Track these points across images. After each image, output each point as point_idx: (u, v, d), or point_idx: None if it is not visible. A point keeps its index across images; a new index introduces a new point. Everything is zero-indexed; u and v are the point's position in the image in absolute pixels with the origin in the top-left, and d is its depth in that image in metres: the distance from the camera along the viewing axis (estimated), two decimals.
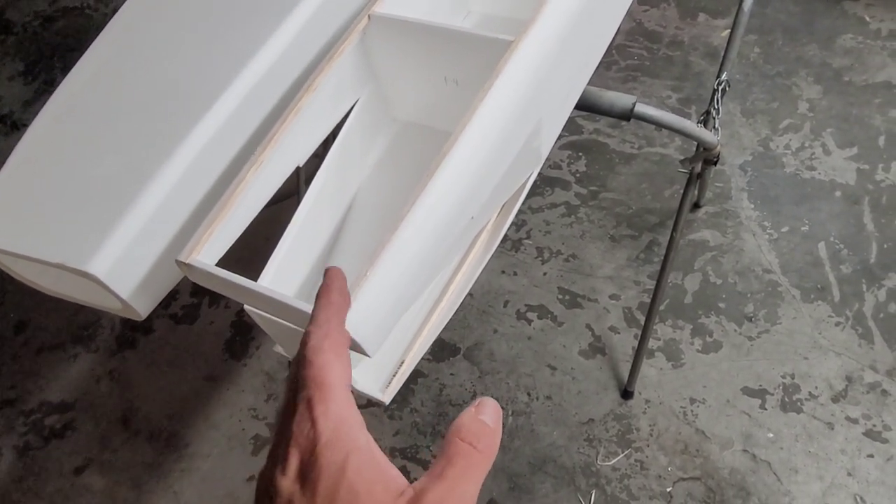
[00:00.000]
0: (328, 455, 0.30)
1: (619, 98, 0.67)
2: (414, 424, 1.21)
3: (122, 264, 0.46)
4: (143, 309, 0.50)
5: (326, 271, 0.37)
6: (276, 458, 0.31)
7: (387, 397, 0.52)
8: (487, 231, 0.60)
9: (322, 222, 0.59)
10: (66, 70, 1.92)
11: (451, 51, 0.57)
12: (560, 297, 1.33)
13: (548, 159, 1.55)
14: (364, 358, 0.51)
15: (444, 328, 1.39)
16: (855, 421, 1.14)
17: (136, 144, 0.50)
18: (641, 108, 0.69)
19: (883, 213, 1.37)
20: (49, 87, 1.80)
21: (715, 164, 0.87)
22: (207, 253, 0.47)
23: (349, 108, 0.60)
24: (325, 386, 0.31)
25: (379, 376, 0.55)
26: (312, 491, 0.29)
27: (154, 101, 0.52)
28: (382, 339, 0.45)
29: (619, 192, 1.48)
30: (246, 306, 0.49)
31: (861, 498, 1.06)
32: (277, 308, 0.44)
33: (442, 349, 1.29)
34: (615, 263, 1.37)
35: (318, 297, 0.36)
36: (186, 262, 0.45)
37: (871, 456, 1.10)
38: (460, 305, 1.40)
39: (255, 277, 0.57)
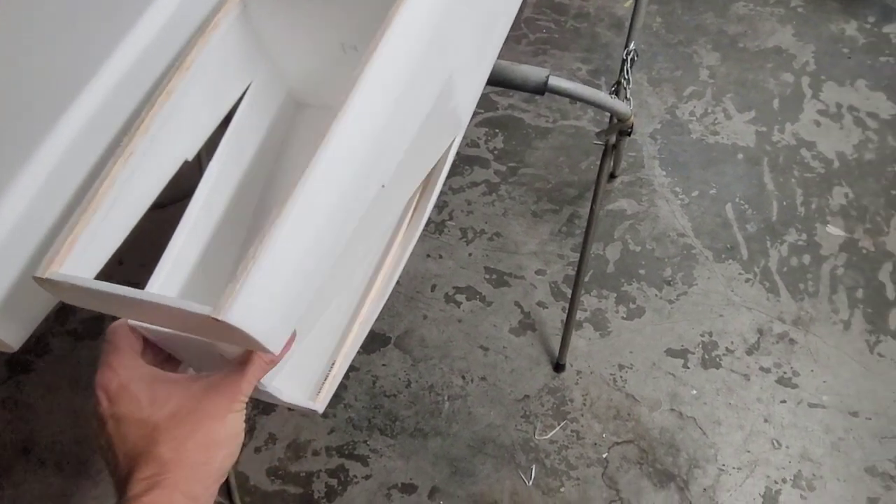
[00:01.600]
0: (130, 377, 0.42)
1: (532, 72, 0.65)
2: (349, 420, 1.17)
3: None
4: (12, 340, 0.42)
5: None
6: (94, 400, 0.43)
7: (319, 405, 0.48)
8: (411, 211, 0.57)
9: (216, 220, 0.53)
10: None
11: (342, 11, 0.51)
12: (487, 276, 1.33)
13: (465, 137, 1.53)
14: (287, 366, 0.46)
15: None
16: (768, 370, 1.21)
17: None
18: (555, 82, 0.67)
19: (780, 172, 1.45)
20: None
21: (629, 134, 0.87)
22: (73, 264, 0.40)
23: (241, 92, 0.54)
24: (117, 349, 0.43)
25: (307, 384, 0.51)
26: (129, 396, 0.41)
27: (6, 96, 0.44)
28: (283, 330, 0.39)
29: (538, 167, 1.48)
30: (133, 323, 0.43)
31: (777, 441, 1.13)
32: (167, 316, 0.39)
33: (372, 340, 1.25)
34: (538, 239, 1.38)
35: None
36: (45, 276, 0.38)
37: (783, 402, 1.17)
38: None
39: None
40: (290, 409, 0.53)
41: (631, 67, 0.90)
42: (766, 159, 1.47)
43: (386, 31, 0.44)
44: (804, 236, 1.36)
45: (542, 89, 0.66)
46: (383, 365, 1.23)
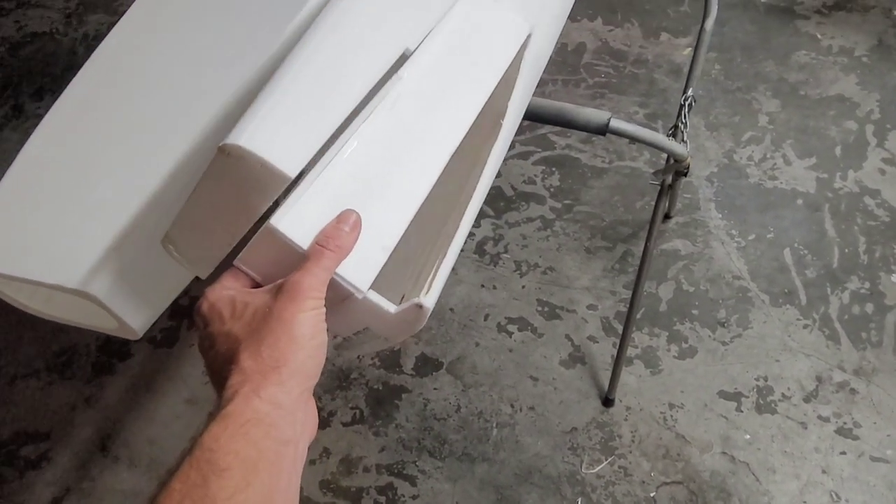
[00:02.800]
0: (216, 297, 0.44)
1: (595, 114, 0.70)
2: (399, 440, 1.21)
3: (120, 284, 0.46)
4: (140, 328, 0.49)
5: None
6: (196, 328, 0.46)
7: (429, 300, 0.46)
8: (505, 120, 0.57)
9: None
10: (34, 96, 1.88)
11: None
12: (539, 308, 1.36)
13: (522, 174, 1.58)
14: (388, 271, 0.46)
15: (426, 343, 1.38)
16: (826, 419, 1.18)
17: (134, 161, 0.50)
18: (616, 123, 0.72)
19: (842, 219, 1.44)
20: (18, 112, 1.78)
21: (685, 175, 0.91)
22: None
23: None
24: (217, 281, 0.46)
25: (418, 280, 0.50)
26: (215, 314, 0.43)
27: (149, 118, 0.52)
28: (298, 152, 0.42)
29: (593, 206, 1.51)
30: (237, 262, 0.46)
31: (836, 494, 1.10)
32: (213, 201, 0.43)
33: (425, 364, 1.30)
34: (591, 274, 1.40)
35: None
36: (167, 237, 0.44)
37: (843, 453, 1.14)
38: (441, 321, 1.40)
39: None
40: (383, 338, 0.50)
41: (688, 112, 0.94)
42: (827, 206, 1.46)
43: None
44: (867, 285, 1.33)
45: (603, 130, 0.71)
46: (435, 389, 1.27)
